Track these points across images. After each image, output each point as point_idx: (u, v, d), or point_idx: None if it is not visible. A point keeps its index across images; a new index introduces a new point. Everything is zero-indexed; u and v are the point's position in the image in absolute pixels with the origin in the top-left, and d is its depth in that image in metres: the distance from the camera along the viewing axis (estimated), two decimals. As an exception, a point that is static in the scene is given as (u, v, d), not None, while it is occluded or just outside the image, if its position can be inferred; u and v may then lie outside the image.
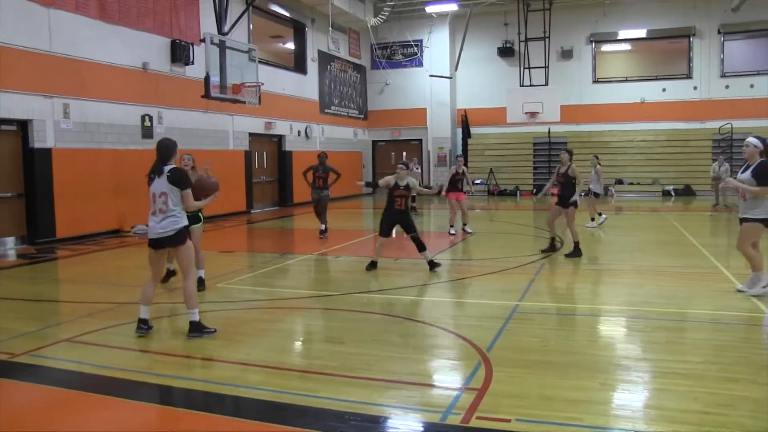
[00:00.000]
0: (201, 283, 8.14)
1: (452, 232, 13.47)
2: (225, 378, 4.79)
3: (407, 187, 9.14)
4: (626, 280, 8.59)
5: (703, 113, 24.85)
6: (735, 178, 7.42)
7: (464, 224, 13.72)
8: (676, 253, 10.69)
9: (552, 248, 10.66)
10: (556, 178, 10.67)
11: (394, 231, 9.65)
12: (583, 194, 13.54)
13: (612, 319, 6.65)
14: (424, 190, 10.76)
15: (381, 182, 9.26)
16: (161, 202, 5.86)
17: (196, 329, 5.93)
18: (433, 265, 9.17)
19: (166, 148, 5.95)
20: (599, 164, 14.79)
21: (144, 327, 5.99)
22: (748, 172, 7.15)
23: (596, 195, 14.75)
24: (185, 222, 6.01)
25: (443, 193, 13.49)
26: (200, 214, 7.95)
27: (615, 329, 6.31)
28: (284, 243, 13.16)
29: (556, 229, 10.84)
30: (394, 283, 8.42)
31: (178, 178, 5.86)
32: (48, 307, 7.61)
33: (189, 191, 5.94)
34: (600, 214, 14.72)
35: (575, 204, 10.35)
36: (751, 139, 7.31)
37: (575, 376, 4.74)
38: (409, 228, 9.13)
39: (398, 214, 9.13)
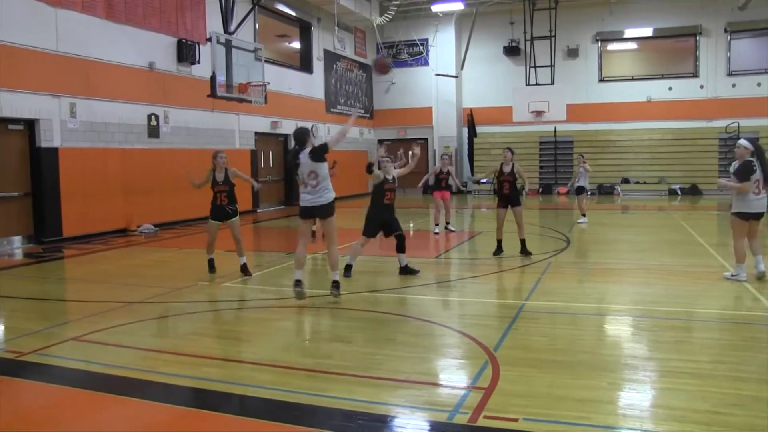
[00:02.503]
0: (245, 270, 8.72)
1: (436, 231, 13.46)
2: (233, 377, 4.80)
3: (395, 180, 8.66)
4: (634, 279, 8.56)
5: (709, 112, 24.71)
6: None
7: (447, 223, 13.74)
8: (683, 253, 10.64)
9: (500, 250, 10.27)
10: (502, 177, 10.27)
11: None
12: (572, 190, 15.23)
13: (620, 318, 6.63)
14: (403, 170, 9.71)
15: (374, 175, 8.58)
16: (311, 178, 6.95)
17: (336, 287, 7.10)
18: (408, 271, 8.69)
19: (302, 135, 7.15)
20: (585, 162, 15.27)
21: (299, 288, 7.01)
22: None
23: (581, 191, 15.11)
24: (334, 195, 7.07)
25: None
26: (236, 207, 8.77)
27: (623, 328, 6.29)
28: (291, 242, 13.15)
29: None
30: (401, 283, 8.40)
31: (318, 153, 6.95)
32: (55, 306, 7.64)
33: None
34: (583, 215, 15.07)
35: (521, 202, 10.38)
36: (743, 141, 7.86)
37: (583, 375, 4.72)
38: (395, 226, 8.63)
39: (387, 210, 8.59)
